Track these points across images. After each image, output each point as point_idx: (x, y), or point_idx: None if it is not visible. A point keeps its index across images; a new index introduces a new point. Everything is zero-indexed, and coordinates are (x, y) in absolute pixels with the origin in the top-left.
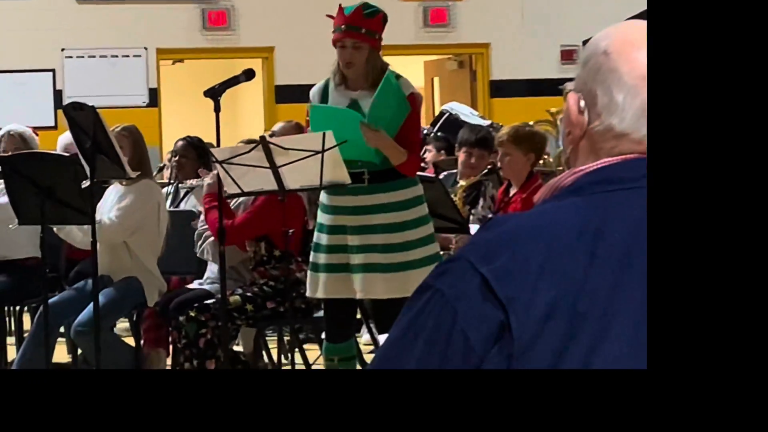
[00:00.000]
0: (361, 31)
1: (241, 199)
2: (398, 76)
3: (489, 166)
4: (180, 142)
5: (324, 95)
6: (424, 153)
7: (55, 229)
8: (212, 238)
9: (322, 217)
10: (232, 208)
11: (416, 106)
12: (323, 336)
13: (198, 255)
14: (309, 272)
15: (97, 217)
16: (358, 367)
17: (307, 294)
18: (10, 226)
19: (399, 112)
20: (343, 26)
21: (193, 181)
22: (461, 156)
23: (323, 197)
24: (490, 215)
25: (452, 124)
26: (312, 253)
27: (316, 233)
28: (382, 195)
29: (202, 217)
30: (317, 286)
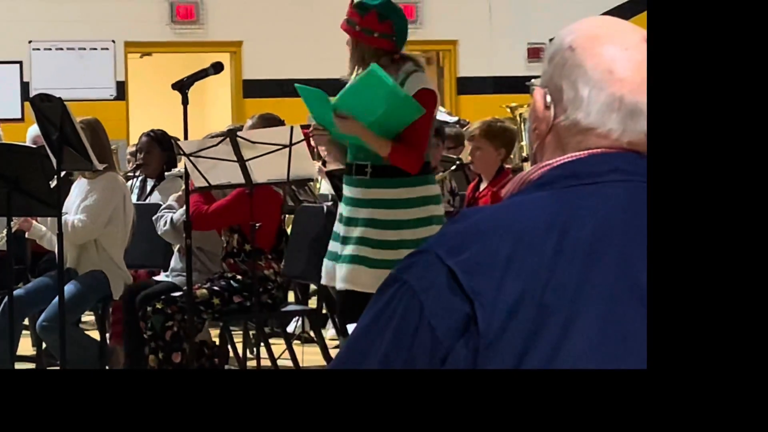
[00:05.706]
0: (354, 28)
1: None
2: (411, 73)
3: (457, 162)
4: (143, 138)
5: None
6: None
7: (37, 240)
8: (170, 216)
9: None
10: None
11: (426, 103)
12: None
13: (159, 234)
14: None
15: (63, 211)
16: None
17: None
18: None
19: (392, 106)
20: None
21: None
22: None
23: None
24: (450, 210)
25: None
26: None
27: None
28: (377, 190)
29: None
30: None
